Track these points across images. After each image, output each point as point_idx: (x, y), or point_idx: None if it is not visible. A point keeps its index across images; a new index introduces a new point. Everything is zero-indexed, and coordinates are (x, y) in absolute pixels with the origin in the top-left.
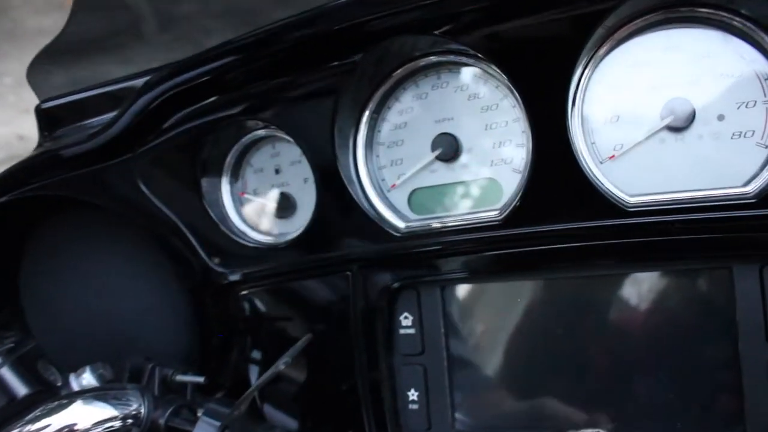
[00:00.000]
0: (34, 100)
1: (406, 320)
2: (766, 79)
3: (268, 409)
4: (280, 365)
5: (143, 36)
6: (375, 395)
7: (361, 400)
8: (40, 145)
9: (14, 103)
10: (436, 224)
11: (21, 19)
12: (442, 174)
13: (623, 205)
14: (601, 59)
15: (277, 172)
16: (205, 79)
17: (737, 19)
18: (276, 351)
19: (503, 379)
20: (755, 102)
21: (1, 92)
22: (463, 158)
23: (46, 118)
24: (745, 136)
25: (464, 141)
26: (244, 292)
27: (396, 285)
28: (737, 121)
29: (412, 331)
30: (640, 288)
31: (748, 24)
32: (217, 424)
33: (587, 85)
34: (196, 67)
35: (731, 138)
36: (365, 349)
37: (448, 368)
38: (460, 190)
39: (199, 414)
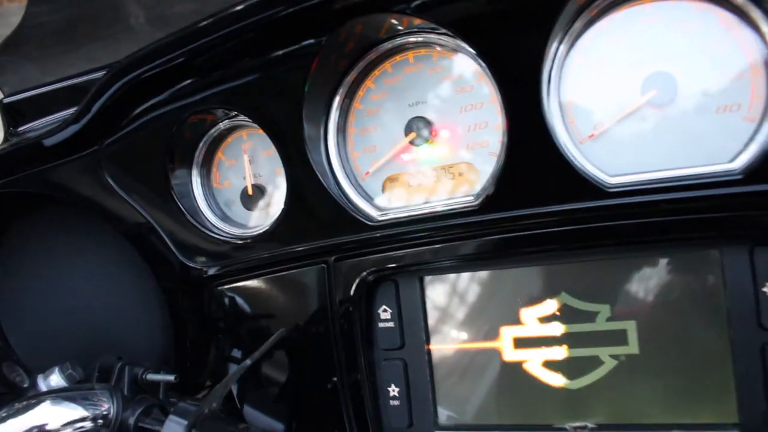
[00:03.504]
0: None
1: (384, 313)
2: (752, 50)
3: (248, 409)
4: (247, 362)
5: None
6: (355, 392)
7: (340, 396)
8: (6, 140)
9: None
10: (411, 212)
11: None
12: (418, 160)
13: (603, 185)
14: (579, 34)
15: (249, 162)
16: (172, 63)
17: None
18: (254, 347)
19: (487, 373)
20: (741, 74)
21: None
22: (438, 142)
23: (11, 113)
24: (731, 110)
25: (438, 124)
26: (219, 288)
27: (372, 277)
28: (722, 95)
29: (391, 324)
30: (625, 273)
31: None
32: (185, 423)
33: (564, 61)
34: (164, 51)
35: (716, 112)
36: (344, 344)
37: (430, 362)
38: (435, 175)
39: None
